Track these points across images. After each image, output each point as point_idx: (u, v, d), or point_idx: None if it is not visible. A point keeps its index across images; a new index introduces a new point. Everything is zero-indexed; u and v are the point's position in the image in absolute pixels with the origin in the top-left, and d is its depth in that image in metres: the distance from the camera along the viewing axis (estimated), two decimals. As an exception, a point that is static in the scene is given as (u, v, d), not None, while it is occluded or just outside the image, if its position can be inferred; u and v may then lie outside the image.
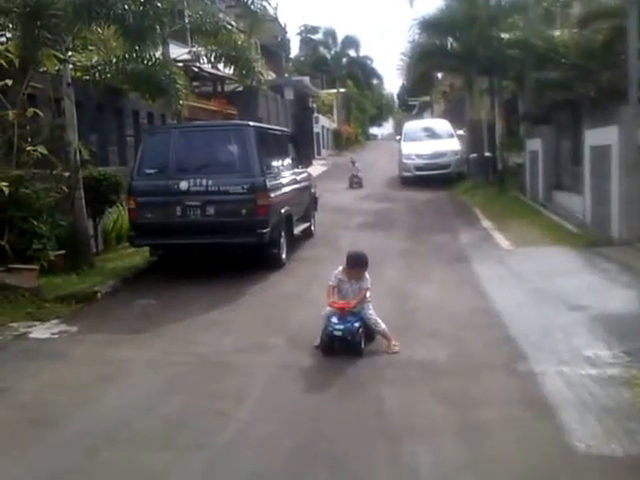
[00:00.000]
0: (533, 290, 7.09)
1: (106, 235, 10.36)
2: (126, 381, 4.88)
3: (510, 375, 4.67)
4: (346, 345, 5.17)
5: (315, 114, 35.79)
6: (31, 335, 6.08)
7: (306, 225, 11.07)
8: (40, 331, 6.19)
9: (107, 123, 11.88)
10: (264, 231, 8.21)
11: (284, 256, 9.10)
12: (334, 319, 5.23)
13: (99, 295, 7.44)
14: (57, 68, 8.52)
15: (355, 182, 19.83)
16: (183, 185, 8.25)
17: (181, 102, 12.07)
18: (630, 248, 8.70)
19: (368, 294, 5.50)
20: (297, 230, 10.21)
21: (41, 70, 8.67)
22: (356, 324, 5.21)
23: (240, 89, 19.87)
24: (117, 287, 7.94)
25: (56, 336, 6.08)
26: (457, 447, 3.62)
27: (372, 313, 5.39)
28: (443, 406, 4.16)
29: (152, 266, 9.11)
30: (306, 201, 11.18)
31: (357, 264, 5.43)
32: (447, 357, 5.11)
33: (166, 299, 7.39)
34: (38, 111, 8.14)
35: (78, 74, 10.86)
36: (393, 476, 3.34)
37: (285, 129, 13.41)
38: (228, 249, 8.73)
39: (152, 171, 8.53)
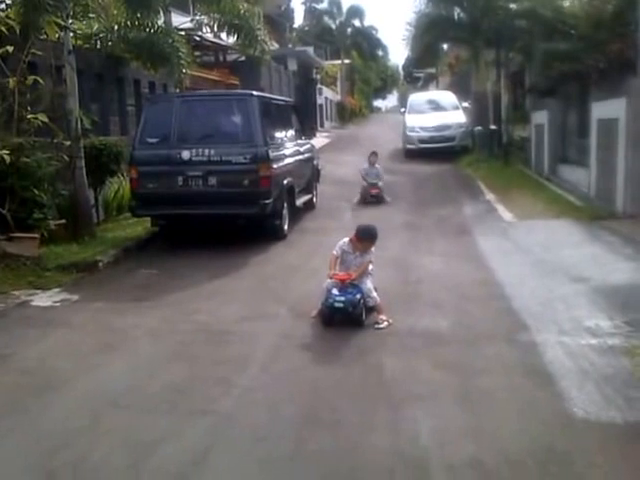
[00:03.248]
0: (536, 262, 7.07)
1: (107, 205, 10.33)
2: (128, 348, 4.90)
3: (511, 345, 4.68)
4: (347, 317, 5.16)
5: (319, 85, 35.39)
6: (33, 303, 6.10)
7: (308, 197, 11.02)
8: (42, 299, 6.21)
9: (108, 92, 11.75)
10: (266, 202, 8.18)
11: (286, 227, 9.08)
12: (335, 291, 5.21)
13: (100, 264, 7.44)
14: (58, 36, 8.39)
15: (372, 195, 11.66)
16: (185, 155, 8.19)
17: (183, 71, 11.95)
18: (635, 221, 8.65)
19: (370, 267, 5.50)
20: (299, 202, 10.17)
21: (42, 37, 8.54)
22: (357, 295, 5.19)
23: (243, 59, 19.61)
24: (119, 257, 7.94)
25: (58, 304, 6.09)
26: (457, 413, 3.64)
27: (369, 283, 5.37)
28: (444, 374, 4.18)
29: (154, 236, 9.10)
30: (308, 173, 11.11)
31: (367, 237, 5.41)
32: (449, 327, 5.11)
33: (168, 269, 7.40)
34: (39, 79, 8.04)
35: (79, 42, 10.73)
36: (394, 441, 3.35)
37: (288, 99, 13.23)
38: (230, 220, 8.70)
39: (154, 140, 8.46)
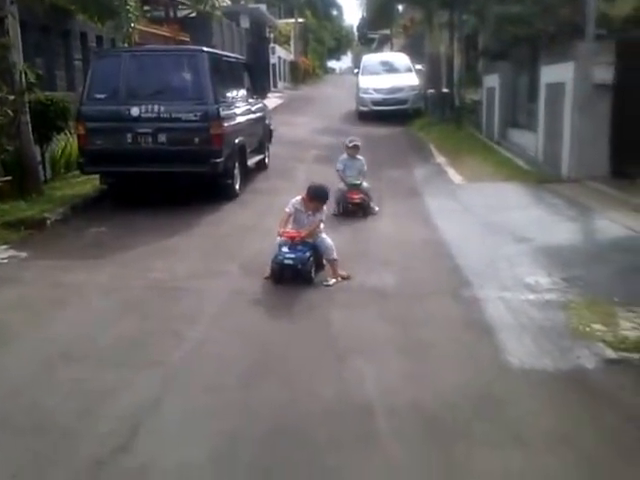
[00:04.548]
0: (482, 223, 7.29)
1: (54, 163, 10.05)
2: (79, 303, 4.89)
3: (454, 300, 4.87)
4: (296, 274, 5.24)
5: (272, 44, 34.79)
6: (-19, 257, 5.98)
7: (260, 157, 10.96)
8: (-12, 256, 6.08)
9: (54, 46, 11.34)
10: (217, 161, 8.12)
11: (238, 187, 9.05)
12: (285, 248, 5.28)
13: (49, 222, 7.30)
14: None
15: (353, 202, 7.71)
16: (134, 111, 8.02)
17: (131, 25, 11.58)
18: (578, 185, 8.98)
19: (322, 225, 5.57)
20: (251, 162, 10.12)
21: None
22: (307, 253, 5.27)
23: (193, 15, 19.11)
24: (67, 215, 7.79)
25: (5, 261, 5.98)
26: (400, 362, 3.81)
27: (328, 239, 5.47)
28: (389, 327, 4.34)
29: (103, 195, 8.94)
30: (260, 133, 11.03)
31: (317, 197, 5.46)
32: (396, 284, 5.27)
33: (118, 227, 7.31)
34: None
35: (21, -9, 10.22)
36: (340, 388, 3.49)
37: (240, 57, 12.99)
38: (181, 178, 8.60)
39: (102, 96, 8.24)
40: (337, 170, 8.00)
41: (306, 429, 3.11)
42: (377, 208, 7.90)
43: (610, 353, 3.85)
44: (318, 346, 4.07)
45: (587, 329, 4.19)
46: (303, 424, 3.16)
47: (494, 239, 6.55)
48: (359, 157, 8.11)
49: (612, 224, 6.80)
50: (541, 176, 9.74)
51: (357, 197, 7.70)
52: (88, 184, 9.25)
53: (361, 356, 3.88)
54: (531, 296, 4.85)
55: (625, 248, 5.93)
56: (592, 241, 6.53)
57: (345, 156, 8.10)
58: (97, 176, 8.96)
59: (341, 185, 7.82)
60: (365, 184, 7.88)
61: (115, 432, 3.09)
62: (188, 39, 18.98)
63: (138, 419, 3.21)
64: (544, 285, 5.07)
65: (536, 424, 3.18)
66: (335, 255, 5.43)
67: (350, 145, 8.08)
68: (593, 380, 3.59)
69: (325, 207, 5.54)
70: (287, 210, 5.49)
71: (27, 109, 8.30)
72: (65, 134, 9.86)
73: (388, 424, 3.16)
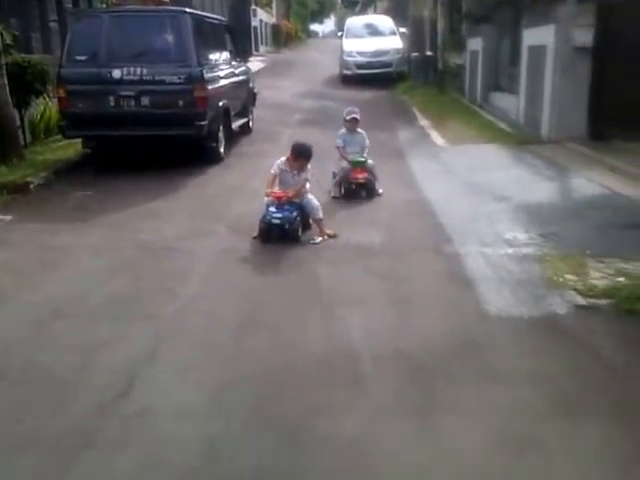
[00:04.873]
0: (464, 183, 7.44)
1: (34, 127, 9.94)
2: (69, 264, 4.97)
3: (436, 256, 5.04)
4: (284, 233, 5.37)
5: (253, 6, 34.15)
6: (-36, 225, 6.01)
7: (244, 120, 10.96)
8: (-27, 221, 6.11)
9: (28, 7, 11.07)
10: (202, 123, 8.13)
11: (223, 150, 9.08)
12: (272, 208, 5.40)
13: (32, 186, 7.30)
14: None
15: (357, 183, 6.82)
16: (116, 73, 7.97)
17: (110, -14, 11.35)
18: (558, 146, 9.14)
19: (308, 185, 5.68)
20: (235, 125, 10.12)
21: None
22: (294, 213, 5.40)
23: (174, -25, 18.64)
24: (50, 179, 7.79)
25: (-9, 224, 6.02)
26: (384, 313, 3.98)
27: (314, 200, 5.58)
28: (374, 281, 4.50)
29: (86, 159, 8.92)
30: (244, 96, 11.00)
31: (301, 155, 5.55)
32: (381, 241, 5.41)
33: (103, 191, 7.34)
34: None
35: (-6, -51, 9.97)
36: (327, 338, 3.66)
37: (222, 19, 12.80)
38: (165, 142, 8.60)
39: (82, 58, 8.15)
40: (337, 147, 7.07)
41: (294, 374, 3.28)
42: (381, 190, 6.92)
43: (580, 300, 4.05)
44: (306, 299, 4.23)
45: (560, 279, 4.38)
46: (291, 370, 3.32)
47: (475, 198, 6.71)
48: (360, 130, 7.19)
49: (588, 183, 6.98)
50: (522, 138, 9.88)
51: (361, 176, 6.76)
52: (70, 149, 9.21)
53: (347, 308, 4.04)
54: (509, 250, 5.03)
55: (599, 205, 6.12)
56: (568, 199, 6.72)
57: (344, 130, 7.17)
58: (79, 141, 8.92)
59: (344, 164, 6.90)
60: (370, 161, 6.96)
61: (113, 381, 3.23)
62: (168, 0, 18.59)
63: (135, 369, 3.35)
64: (522, 240, 5.25)
65: (511, 364, 3.38)
66: (321, 215, 5.57)
67: (348, 118, 7.10)
68: (564, 324, 3.80)
69: (309, 166, 5.63)
70: (272, 171, 5.58)
71: (4, 71, 8.18)
72: (44, 98, 9.75)
73: (373, 368, 3.33)
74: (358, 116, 7.14)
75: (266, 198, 5.49)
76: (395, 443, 2.73)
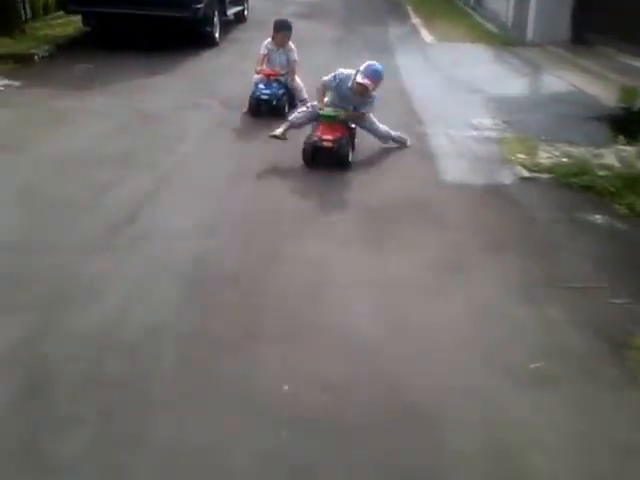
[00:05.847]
0: (444, 77, 7.90)
1: (33, 4, 10.06)
2: (76, 123, 5.51)
3: (407, 135, 5.59)
4: (271, 108, 5.89)
5: None
6: (-24, 87, 6.45)
7: (240, 8, 11.11)
8: (-17, 84, 6.56)
9: None
10: (198, 6, 8.39)
11: (217, 35, 9.35)
12: (261, 85, 5.92)
13: (36, 57, 7.66)
14: None
15: (323, 147, 4.66)
16: (117, -50, 8.11)
17: None
18: (539, 49, 9.53)
19: (295, 68, 6.14)
20: (230, 12, 10.30)
21: None
22: (280, 91, 5.94)
23: None
24: (53, 52, 8.12)
25: (1, 88, 6.46)
26: (351, 175, 4.62)
27: (299, 81, 6.08)
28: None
29: (85, 37, 9.19)
30: (240, -17, 11.08)
31: (281, 26, 6.07)
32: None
33: (103, 65, 7.72)
34: None
35: None
36: (304, 189, 4.30)
37: None
38: (162, 23, 8.85)
39: None
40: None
41: (273, 214, 3.93)
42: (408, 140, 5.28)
43: (525, 173, 4.70)
44: (289, 161, 4.78)
45: (512, 157, 5.01)
46: (271, 211, 3.98)
47: (452, 90, 7.21)
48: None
49: (559, 80, 7.48)
50: (507, 39, 10.22)
51: (330, 137, 4.61)
52: (69, 26, 9.44)
53: (322, 169, 4.64)
54: (473, 133, 5.62)
55: (563, 100, 6.66)
56: (536, 93, 7.27)
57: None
58: (78, 19, 9.15)
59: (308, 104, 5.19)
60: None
61: (122, 211, 3.87)
62: None
63: (139, 202, 3.99)
64: (486, 125, 5.83)
65: (455, 217, 4.06)
66: (305, 95, 6.06)
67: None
68: (507, 191, 4.46)
69: (293, 45, 6.06)
70: (261, 51, 6.07)
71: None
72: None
73: (340, 214, 4.01)
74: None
75: (256, 75, 5.98)
76: (351, 264, 3.41)
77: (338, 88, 4.83)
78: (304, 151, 4.68)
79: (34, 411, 2.23)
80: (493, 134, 5.60)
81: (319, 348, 2.66)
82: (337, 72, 4.88)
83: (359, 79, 4.65)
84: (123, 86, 6.77)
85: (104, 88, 6.63)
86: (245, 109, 6.01)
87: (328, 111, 4.76)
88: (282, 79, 6.04)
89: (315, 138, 4.67)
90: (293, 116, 5.14)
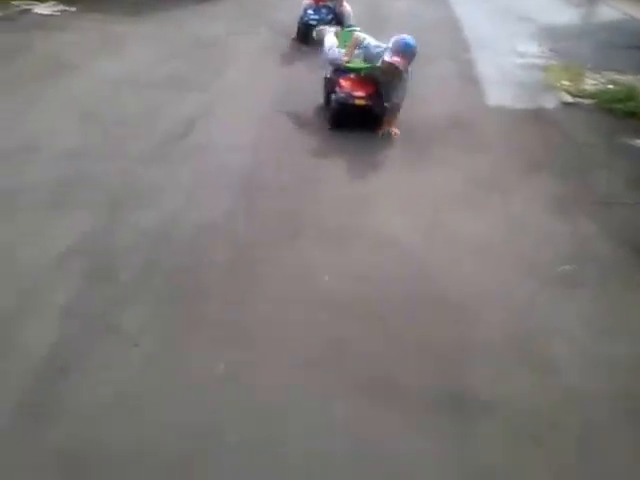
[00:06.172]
0: (494, 7, 7.78)
1: None
2: (131, 47, 5.71)
3: (454, 62, 5.65)
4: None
5: None
6: (35, 11, 6.68)
7: None
8: (42, 8, 6.78)
9: None
10: None
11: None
12: (310, 10, 5.98)
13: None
14: None
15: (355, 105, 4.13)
16: None
17: None
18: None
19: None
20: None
21: None
22: (329, 16, 5.98)
23: None
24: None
25: (58, 13, 6.69)
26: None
27: (348, 7, 6.10)
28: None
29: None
30: None
31: None
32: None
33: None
34: None
35: None
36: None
37: None
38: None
39: None
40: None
41: (315, 130, 4.11)
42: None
43: (568, 98, 4.73)
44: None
45: (557, 84, 5.03)
46: (312, 129, 4.15)
47: (502, 19, 7.12)
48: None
49: (611, 10, 7.29)
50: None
51: (362, 93, 4.11)
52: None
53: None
54: (519, 60, 5.62)
55: (614, 28, 6.53)
56: (587, 22, 7.10)
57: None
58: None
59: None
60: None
61: (175, 127, 4.09)
62: None
63: (192, 120, 4.21)
64: (533, 53, 5.81)
65: (496, 138, 4.17)
66: (352, 21, 6.08)
67: None
68: (549, 115, 4.53)
69: None
70: None
71: None
72: None
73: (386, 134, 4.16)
74: None
75: (305, 1, 6.03)
76: (395, 179, 3.59)
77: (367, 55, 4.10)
78: (333, 111, 4.05)
79: (102, 291, 2.53)
80: (539, 62, 5.59)
81: (360, 248, 2.88)
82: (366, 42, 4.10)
83: (387, 58, 3.85)
84: (173, 13, 6.92)
85: (155, 15, 6.79)
86: (293, 35, 6.11)
87: (357, 63, 4.10)
88: (331, 4, 6.08)
89: (343, 94, 4.01)
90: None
